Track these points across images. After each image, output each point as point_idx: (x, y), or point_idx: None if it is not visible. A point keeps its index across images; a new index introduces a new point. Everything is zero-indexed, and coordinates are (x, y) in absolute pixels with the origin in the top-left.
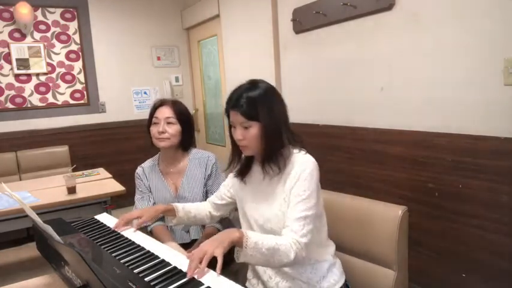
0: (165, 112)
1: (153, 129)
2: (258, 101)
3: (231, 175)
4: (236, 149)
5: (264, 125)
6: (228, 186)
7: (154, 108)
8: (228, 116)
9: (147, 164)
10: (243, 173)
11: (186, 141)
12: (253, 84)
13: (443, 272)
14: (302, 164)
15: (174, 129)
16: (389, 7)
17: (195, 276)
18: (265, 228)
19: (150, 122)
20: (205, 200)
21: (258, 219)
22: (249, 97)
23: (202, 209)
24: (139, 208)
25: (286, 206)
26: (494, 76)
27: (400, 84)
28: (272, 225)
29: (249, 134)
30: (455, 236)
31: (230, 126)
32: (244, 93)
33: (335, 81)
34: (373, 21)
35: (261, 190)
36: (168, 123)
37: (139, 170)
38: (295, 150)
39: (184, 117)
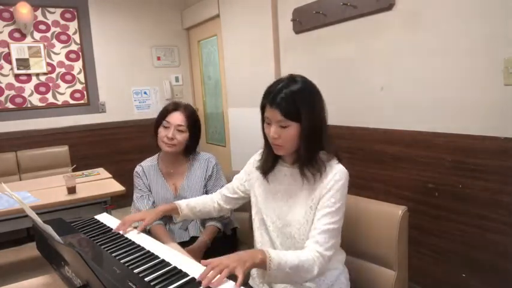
0: (178, 119)
1: (162, 132)
2: (298, 99)
3: (246, 169)
4: (269, 146)
5: (304, 126)
6: (242, 180)
7: (167, 111)
8: (263, 111)
9: (147, 163)
10: (267, 171)
11: (191, 147)
12: (293, 79)
13: (443, 272)
14: (336, 174)
15: (183, 137)
16: (389, 7)
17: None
18: (283, 231)
19: (159, 123)
20: None
21: (276, 222)
22: (289, 94)
23: (209, 203)
24: (139, 207)
25: (313, 215)
26: (494, 76)
27: (400, 84)
28: (292, 230)
29: (286, 134)
30: (455, 236)
31: (263, 121)
32: (285, 89)
33: (335, 81)
34: (373, 21)
35: (283, 191)
36: (178, 130)
37: (138, 168)
38: (329, 158)
39: (194, 125)
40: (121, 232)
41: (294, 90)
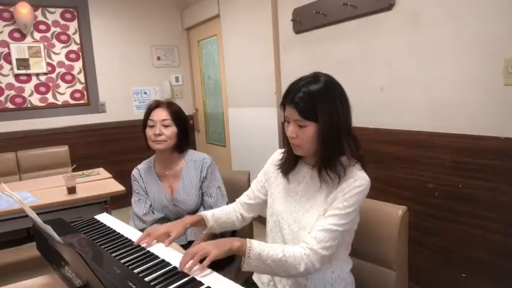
0: (161, 114)
1: (149, 132)
2: (317, 99)
3: (264, 169)
4: (290, 146)
5: (322, 127)
6: (262, 182)
7: (150, 110)
8: (284, 109)
9: (143, 165)
10: (288, 170)
11: (182, 143)
12: (315, 78)
13: (443, 272)
14: (357, 181)
15: (171, 131)
16: (389, 7)
17: (197, 277)
18: (298, 236)
19: (145, 124)
20: (200, 202)
21: (293, 225)
22: (307, 93)
23: (232, 213)
24: (137, 212)
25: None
26: (494, 76)
27: (400, 84)
28: (305, 235)
29: (303, 134)
30: (455, 236)
31: (284, 120)
32: (304, 88)
33: None
34: (373, 21)
35: (302, 193)
36: (164, 125)
37: (135, 172)
38: (352, 163)
39: (180, 119)
40: (143, 245)
41: (313, 90)
